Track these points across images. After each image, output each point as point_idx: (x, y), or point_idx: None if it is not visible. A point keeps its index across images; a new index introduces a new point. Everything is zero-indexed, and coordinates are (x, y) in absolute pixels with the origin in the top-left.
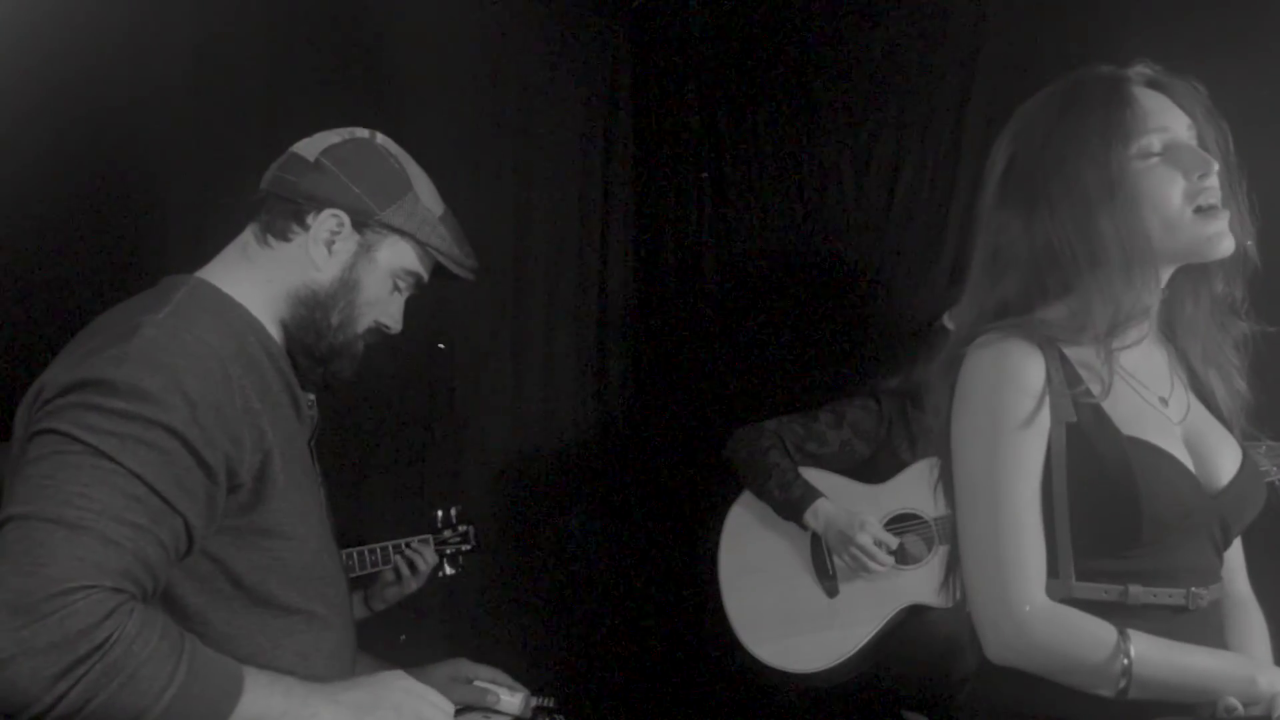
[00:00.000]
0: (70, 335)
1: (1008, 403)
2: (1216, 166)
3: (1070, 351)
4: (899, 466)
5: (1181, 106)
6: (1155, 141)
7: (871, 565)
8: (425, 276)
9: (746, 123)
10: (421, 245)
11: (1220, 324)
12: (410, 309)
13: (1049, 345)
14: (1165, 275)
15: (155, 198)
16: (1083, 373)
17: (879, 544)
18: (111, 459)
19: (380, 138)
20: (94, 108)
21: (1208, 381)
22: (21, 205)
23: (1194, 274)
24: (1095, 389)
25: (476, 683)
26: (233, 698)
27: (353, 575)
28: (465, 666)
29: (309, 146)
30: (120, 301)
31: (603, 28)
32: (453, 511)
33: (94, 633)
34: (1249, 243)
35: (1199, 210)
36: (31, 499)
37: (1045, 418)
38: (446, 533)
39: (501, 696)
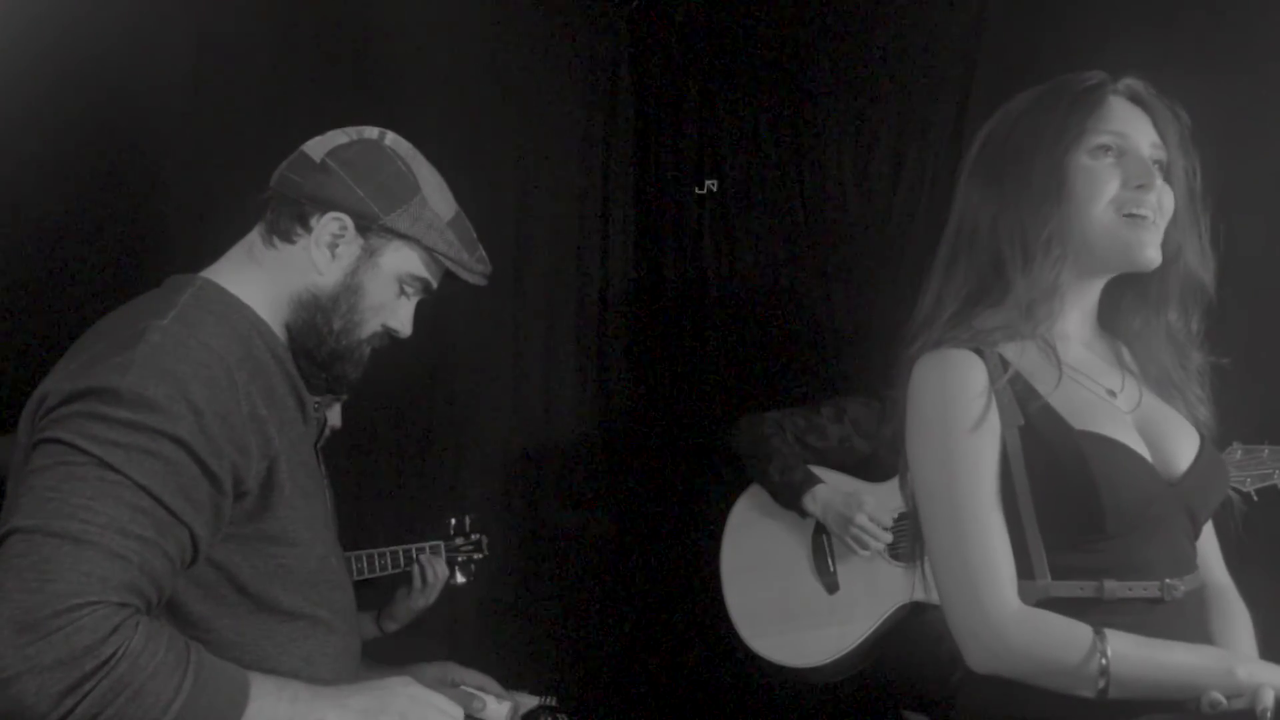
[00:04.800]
0: (72, 333)
1: (954, 411)
2: (1159, 181)
3: (1013, 355)
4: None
5: (1155, 125)
6: (1110, 141)
7: (871, 544)
8: (434, 282)
9: (747, 122)
10: (428, 251)
11: (1177, 355)
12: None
13: (989, 351)
14: (1098, 279)
15: (158, 194)
16: (1027, 375)
17: (876, 522)
18: (117, 470)
19: (390, 138)
20: (96, 105)
21: (1167, 399)
22: (24, 203)
23: (1149, 300)
24: (1042, 387)
25: (464, 687)
26: (239, 706)
27: (361, 579)
28: (454, 670)
29: (317, 146)
30: (121, 300)
31: (603, 27)
32: (466, 519)
33: (100, 648)
34: (1206, 274)
35: (1126, 216)
36: (36, 511)
37: (994, 421)
38: (459, 540)
39: (488, 704)
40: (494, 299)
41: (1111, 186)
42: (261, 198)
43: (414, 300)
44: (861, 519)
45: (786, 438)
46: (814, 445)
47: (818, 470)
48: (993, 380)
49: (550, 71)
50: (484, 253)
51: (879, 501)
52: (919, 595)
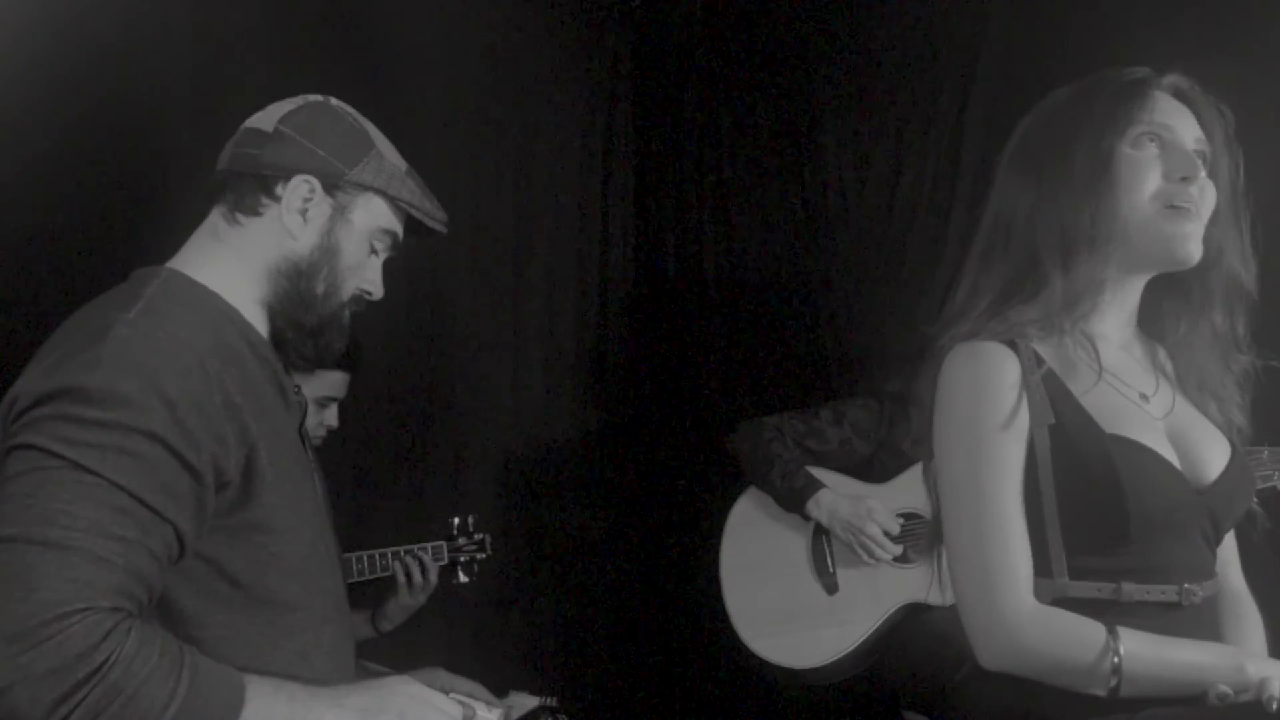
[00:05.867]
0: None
1: (984, 407)
2: (1203, 174)
3: (1046, 352)
4: (901, 466)
5: (1199, 121)
6: (1153, 131)
7: (878, 553)
8: (401, 235)
9: (747, 123)
10: (393, 200)
11: (1222, 358)
12: (411, 308)
13: (1024, 346)
14: (1138, 277)
15: (157, 192)
16: (1061, 373)
17: (886, 533)
18: (93, 472)
19: (335, 100)
20: (96, 102)
21: (1203, 403)
22: (23, 200)
23: (1193, 302)
24: (1075, 386)
25: (453, 695)
26: (235, 709)
27: (360, 579)
28: (442, 677)
29: (264, 118)
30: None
31: (603, 28)
32: (469, 519)
33: (92, 655)
34: (1248, 275)
35: (1169, 208)
36: (15, 520)
37: (1024, 419)
38: (461, 540)
39: (478, 712)
40: (494, 299)
41: (1154, 177)
42: (213, 181)
43: (382, 258)
44: (874, 530)
45: (787, 442)
46: (814, 449)
47: (819, 473)
48: (1025, 375)
49: (551, 72)
50: (438, 201)
51: (882, 506)
52: (920, 596)
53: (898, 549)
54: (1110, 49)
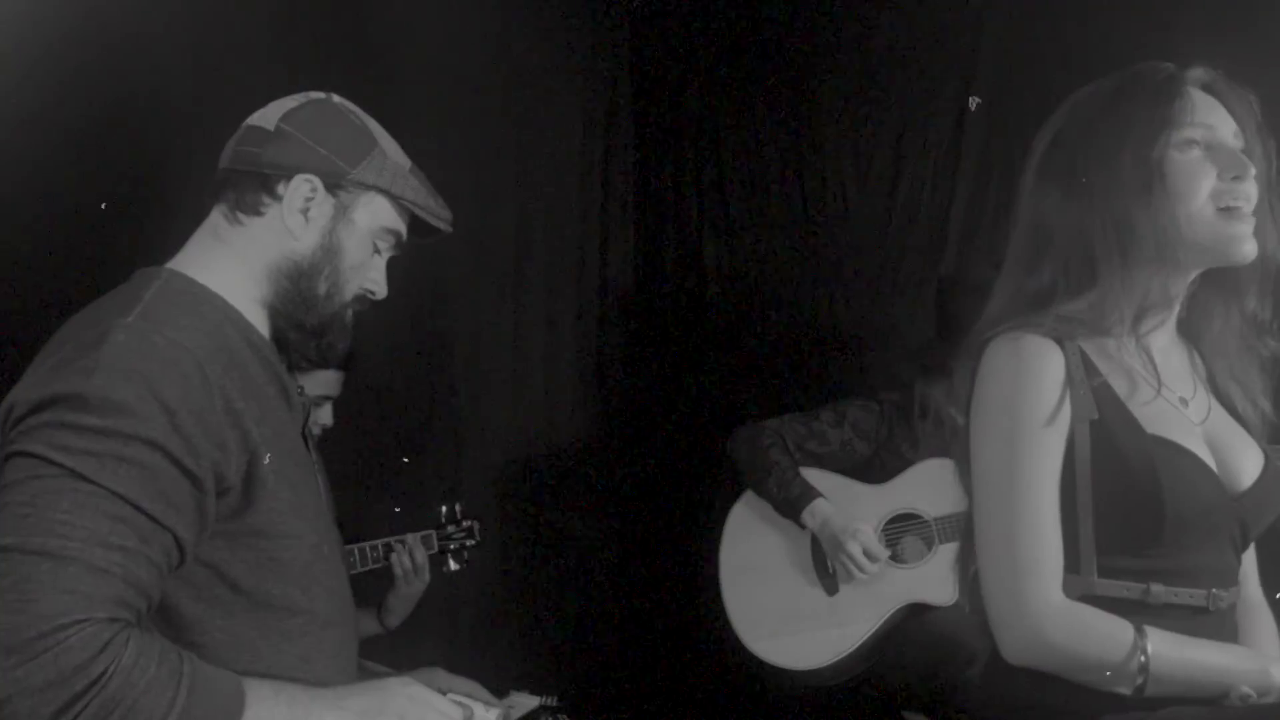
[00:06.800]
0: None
1: (1026, 400)
2: (1253, 172)
3: (1091, 349)
4: (901, 467)
5: (1232, 113)
6: (1198, 134)
7: (856, 574)
8: (404, 234)
9: (746, 122)
10: (396, 199)
11: (1247, 344)
12: (411, 306)
13: (1069, 341)
14: (1189, 276)
15: (157, 192)
16: (1105, 370)
17: (868, 555)
18: (91, 481)
19: (337, 98)
20: (94, 101)
21: (1228, 393)
22: (24, 200)
23: (1225, 290)
24: (1121, 390)
25: (451, 696)
26: (235, 715)
27: (352, 573)
28: (440, 677)
29: (265, 116)
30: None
31: (603, 28)
32: (457, 506)
33: (90, 667)
34: None
35: (1223, 210)
36: (12, 530)
37: (1066, 415)
38: (450, 528)
39: (476, 712)
40: (494, 299)
41: (1208, 181)
42: (214, 180)
43: (385, 258)
44: (854, 548)
45: (786, 447)
46: (815, 451)
47: (817, 473)
48: (1071, 375)
49: (551, 72)
50: (443, 200)
51: (879, 507)
52: (920, 597)
53: (876, 569)
54: (1110, 48)
